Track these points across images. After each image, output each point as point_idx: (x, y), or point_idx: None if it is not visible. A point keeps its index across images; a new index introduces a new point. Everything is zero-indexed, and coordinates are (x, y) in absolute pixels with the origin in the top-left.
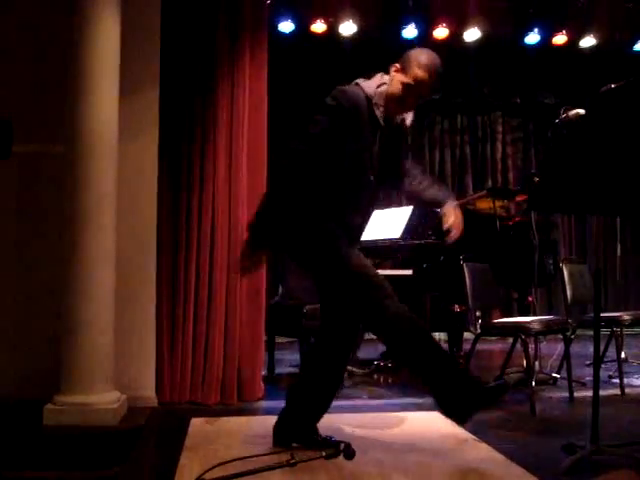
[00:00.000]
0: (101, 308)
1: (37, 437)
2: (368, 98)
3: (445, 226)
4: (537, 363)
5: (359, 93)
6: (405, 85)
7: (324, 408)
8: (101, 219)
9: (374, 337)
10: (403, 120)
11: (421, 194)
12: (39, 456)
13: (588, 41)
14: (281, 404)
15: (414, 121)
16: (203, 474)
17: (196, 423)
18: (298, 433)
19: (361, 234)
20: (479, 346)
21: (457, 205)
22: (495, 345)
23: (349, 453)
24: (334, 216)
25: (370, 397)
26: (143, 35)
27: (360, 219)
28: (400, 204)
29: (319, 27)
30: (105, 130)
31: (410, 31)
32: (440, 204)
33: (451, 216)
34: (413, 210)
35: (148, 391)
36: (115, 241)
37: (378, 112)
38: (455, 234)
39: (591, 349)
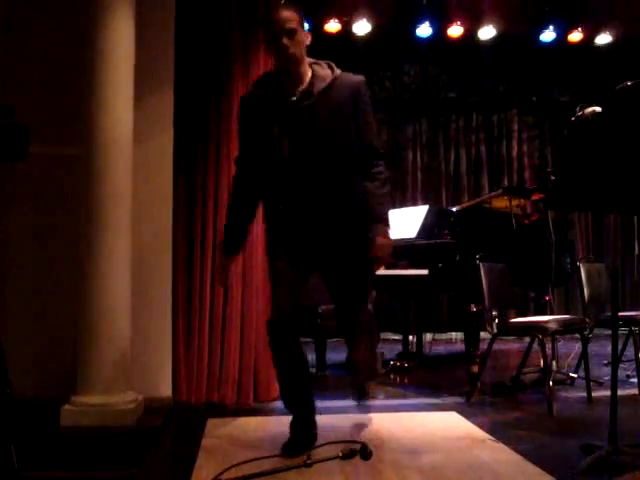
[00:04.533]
0: (117, 309)
1: (54, 437)
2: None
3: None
4: (554, 363)
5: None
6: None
7: None
8: (117, 220)
9: (391, 338)
10: (311, 92)
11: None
12: (56, 456)
13: (604, 38)
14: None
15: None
16: (220, 474)
17: (213, 423)
18: None
19: (315, 226)
20: (496, 346)
21: (384, 235)
22: (512, 345)
23: (365, 453)
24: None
25: (386, 397)
26: (158, 36)
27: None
28: (415, 203)
29: (333, 26)
30: (120, 131)
31: (424, 29)
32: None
33: (378, 249)
34: (429, 209)
35: (165, 391)
36: (131, 242)
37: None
38: (378, 267)
39: (609, 348)
